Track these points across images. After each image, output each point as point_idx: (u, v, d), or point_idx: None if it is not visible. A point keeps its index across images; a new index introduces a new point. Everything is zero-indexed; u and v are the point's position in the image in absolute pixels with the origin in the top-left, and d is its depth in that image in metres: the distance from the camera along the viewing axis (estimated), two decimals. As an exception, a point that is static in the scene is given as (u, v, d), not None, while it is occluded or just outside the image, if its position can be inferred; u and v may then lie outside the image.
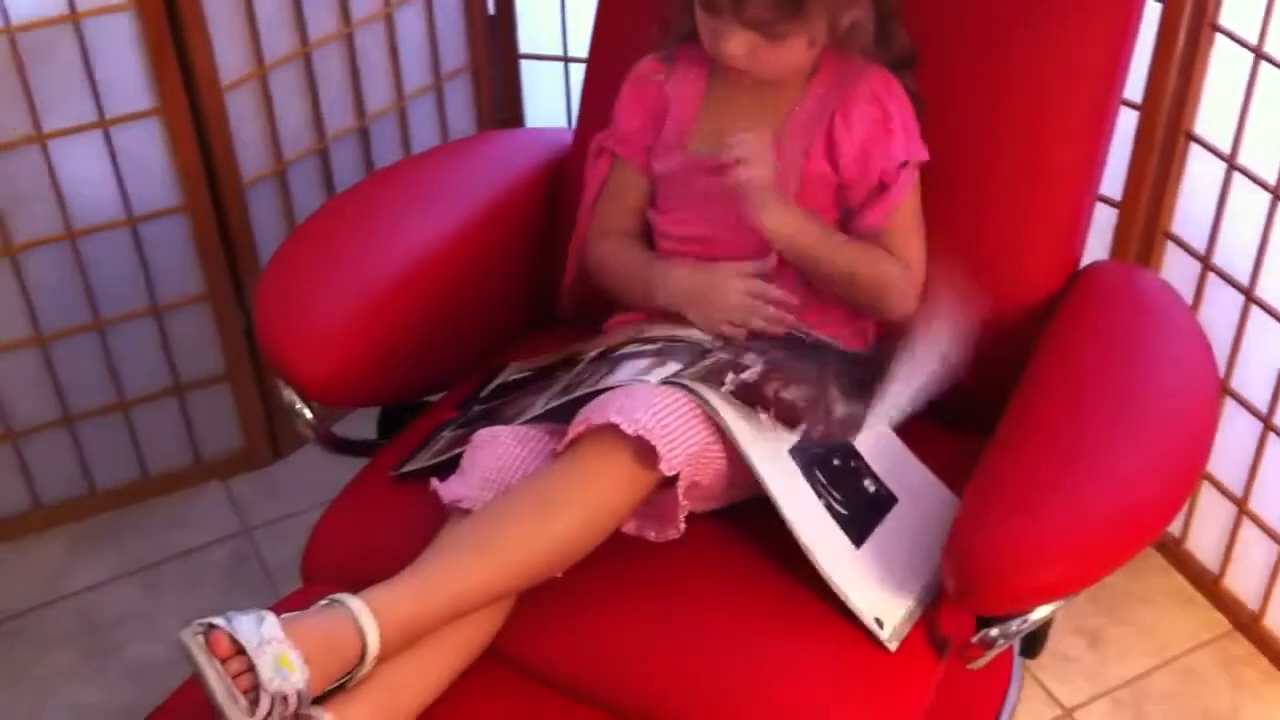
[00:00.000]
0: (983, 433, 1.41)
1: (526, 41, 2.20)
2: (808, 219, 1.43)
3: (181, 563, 2.07)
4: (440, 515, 1.36)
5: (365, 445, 1.64)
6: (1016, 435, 1.36)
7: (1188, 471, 1.35)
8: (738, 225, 1.44)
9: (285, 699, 1.12)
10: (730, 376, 1.33)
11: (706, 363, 1.36)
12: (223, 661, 1.10)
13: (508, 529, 1.26)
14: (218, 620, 1.12)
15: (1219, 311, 1.79)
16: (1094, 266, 1.57)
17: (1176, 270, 1.83)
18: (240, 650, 1.11)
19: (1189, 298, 1.81)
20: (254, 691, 1.11)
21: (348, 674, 1.19)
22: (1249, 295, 1.76)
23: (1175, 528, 1.98)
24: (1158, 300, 1.54)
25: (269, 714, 1.11)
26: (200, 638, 1.11)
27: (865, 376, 1.44)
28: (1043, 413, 1.38)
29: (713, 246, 1.49)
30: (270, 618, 1.14)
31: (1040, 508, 1.24)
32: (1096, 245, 1.74)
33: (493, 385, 1.57)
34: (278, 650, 1.12)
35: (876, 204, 1.45)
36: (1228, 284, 1.78)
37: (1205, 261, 1.80)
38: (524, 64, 2.22)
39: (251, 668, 1.11)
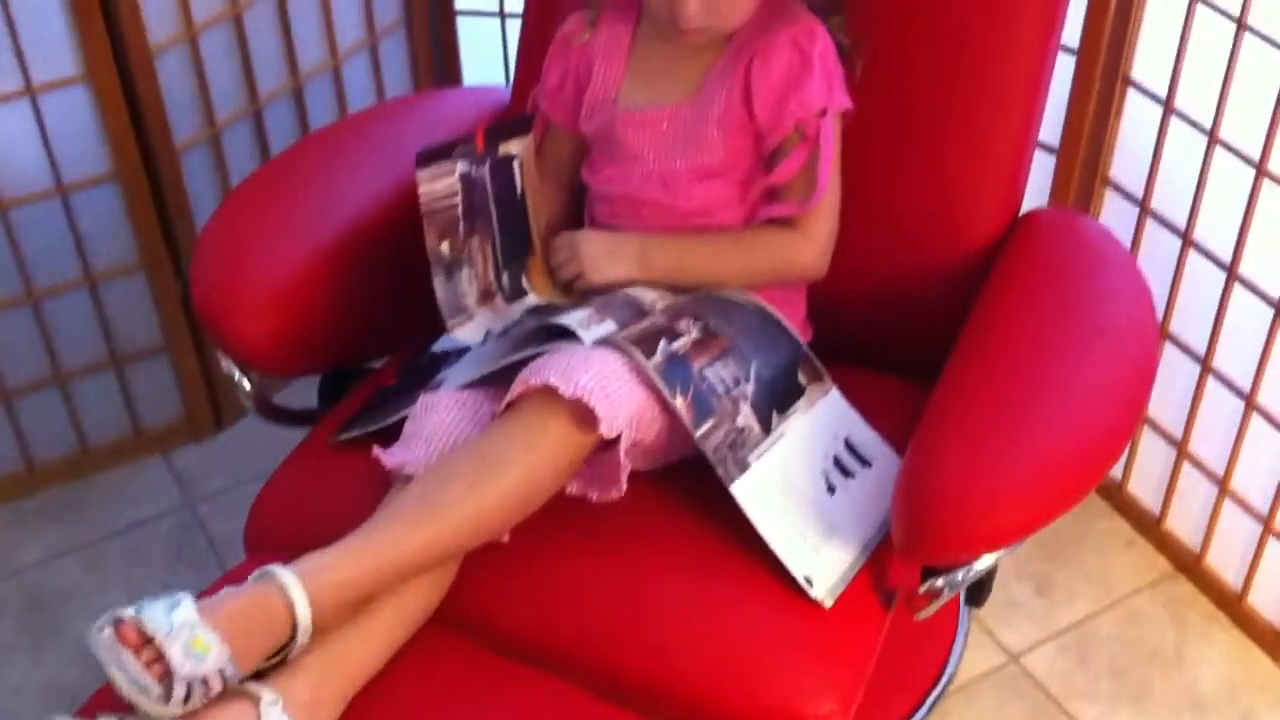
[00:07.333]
0: (927, 380, 1.41)
1: (462, -3, 2.18)
2: (655, 251, 1.45)
3: (125, 538, 2.04)
4: (384, 483, 1.35)
5: (306, 415, 1.62)
6: (958, 385, 1.36)
7: (1129, 415, 1.36)
8: (664, 185, 1.44)
9: (205, 681, 1.12)
10: (662, 345, 1.32)
11: (643, 325, 1.35)
12: (135, 651, 1.11)
13: (448, 490, 1.25)
14: (125, 612, 1.13)
15: (1157, 256, 1.80)
16: (1034, 213, 1.57)
17: (1115, 215, 1.84)
18: (151, 639, 1.11)
19: (1128, 242, 1.82)
20: (169, 679, 1.11)
21: (283, 647, 1.18)
22: (1186, 239, 1.76)
23: (1117, 472, 2.00)
24: (1097, 245, 1.54)
25: (187, 698, 1.12)
26: (109, 630, 1.12)
27: (791, 380, 1.41)
28: (984, 362, 1.38)
29: (640, 209, 1.47)
30: (186, 601, 1.14)
31: (983, 458, 1.24)
32: (1035, 192, 1.74)
33: (431, 351, 1.55)
34: (190, 634, 1.11)
35: (793, 154, 1.42)
36: (1166, 228, 1.79)
37: (1144, 206, 1.80)
38: (461, 20, 2.19)
39: (163, 655, 1.11)
